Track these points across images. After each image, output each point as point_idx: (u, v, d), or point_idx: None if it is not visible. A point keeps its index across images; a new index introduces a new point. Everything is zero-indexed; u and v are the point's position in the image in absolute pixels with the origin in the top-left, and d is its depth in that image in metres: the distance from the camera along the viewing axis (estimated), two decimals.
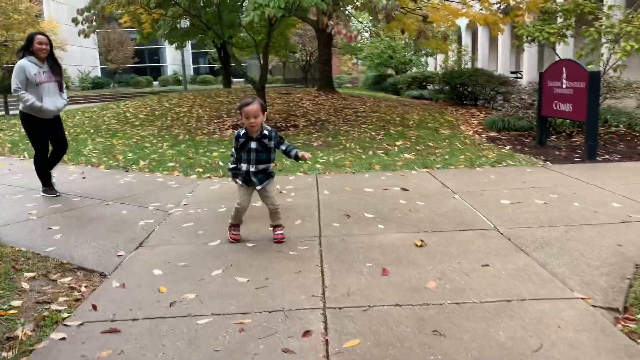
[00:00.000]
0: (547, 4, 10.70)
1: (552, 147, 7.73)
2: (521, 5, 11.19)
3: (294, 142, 8.81)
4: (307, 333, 2.45)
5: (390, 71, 28.88)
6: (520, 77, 22.41)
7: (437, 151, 7.63)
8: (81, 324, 2.63)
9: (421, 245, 3.60)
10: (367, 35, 31.93)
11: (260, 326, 2.54)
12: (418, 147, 8.00)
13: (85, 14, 9.85)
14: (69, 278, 3.28)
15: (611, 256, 3.29)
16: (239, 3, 11.28)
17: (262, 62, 10.67)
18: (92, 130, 10.96)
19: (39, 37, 5.22)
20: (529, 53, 20.45)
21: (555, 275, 3.04)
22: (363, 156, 7.38)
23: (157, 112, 12.92)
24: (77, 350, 2.39)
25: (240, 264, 3.38)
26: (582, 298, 2.73)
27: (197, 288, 3.02)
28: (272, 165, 3.75)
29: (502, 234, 3.82)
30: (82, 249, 3.77)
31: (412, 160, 6.99)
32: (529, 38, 10.70)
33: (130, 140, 9.63)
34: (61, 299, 2.96)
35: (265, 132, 3.60)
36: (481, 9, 13.03)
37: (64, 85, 5.57)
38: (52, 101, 5.29)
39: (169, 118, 12.05)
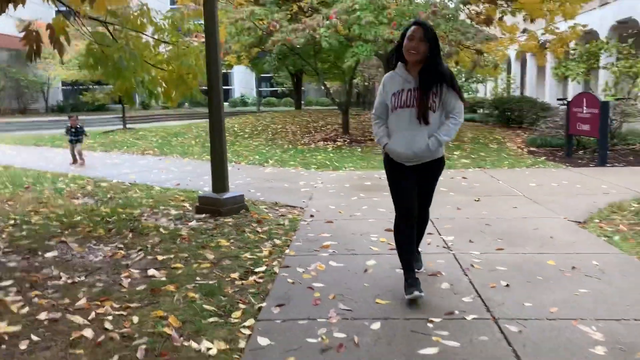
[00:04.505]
0: (578, 47, 13.17)
1: (576, 157, 10.16)
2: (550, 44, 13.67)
3: (374, 151, 11.59)
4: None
5: None
6: (566, 104, 24.54)
7: (487, 159, 10.20)
8: (311, 220, 5.42)
9: (478, 200, 6.24)
10: None
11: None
12: (473, 156, 10.59)
13: None
14: (285, 209, 6.10)
15: (586, 207, 5.83)
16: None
17: (347, 89, 13.59)
18: None
19: None
20: (573, 83, 22.65)
21: (552, 210, 5.63)
22: None
23: (259, 128, 16.05)
24: (316, 227, 5.16)
25: (364, 196, 6.12)
26: (563, 218, 5.31)
27: (353, 208, 5.76)
28: None
29: (526, 197, 6.41)
30: (280, 199, 6.59)
31: (468, 163, 9.60)
32: (562, 75, 13.17)
33: (248, 148, 12.64)
34: (290, 215, 5.77)
35: None
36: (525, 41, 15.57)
37: None
38: None
39: (270, 132, 15.12)
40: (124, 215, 5.76)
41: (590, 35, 21.69)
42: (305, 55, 14.28)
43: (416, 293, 3.11)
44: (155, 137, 15.64)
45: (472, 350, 2.59)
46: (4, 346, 2.70)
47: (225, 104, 47.60)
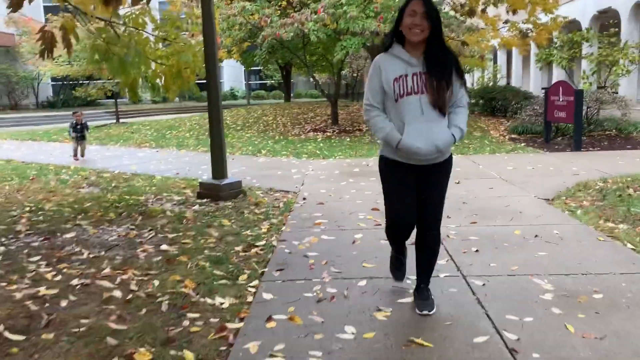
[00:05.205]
0: (560, 36, 13.71)
1: (554, 143, 10.72)
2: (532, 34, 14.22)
3: (362, 140, 12.10)
4: None
5: None
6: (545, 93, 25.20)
7: (470, 146, 10.73)
8: (304, 202, 5.91)
9: (458, 183, 6.76)
10: None
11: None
12: (456, 144, 11.10)
13: None
14: (279, 193, 6.59)
15: (556, 186, 6.37)
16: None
17: (336, 80, 14.05)
18: (206, 133, 14.47)
19: None
20: (557, 71, 23.25)
21: (524, 190, 6.16)
22: None
23: (250, 120, 16.49)
24: (309, 208, 5.65)
25: (353, 181, 6.62)
26: (534, 196, 5.85)
27: (342, 191, 6.26)
28: None
29: (502, 179, 6.94)
30: (274, 185, 7.07)
31: (452, 150, 10.10)
32: (545, 61, 13.71)
33: (241, 139, 13.08)
34: (284, 199, 6.25)
35: None
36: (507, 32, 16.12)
37: None
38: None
39: (261, 124, 15.57)
40: (131, 201, 6.22)
41: (572, 25, 22.28)
42: (293, 49, 14.69)
43: (425, 312, 2.92)
44: (150, 131, 16.03)
45: (442, 299, 3.10)
46: (47, 304, 3.17)
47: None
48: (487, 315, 2.89)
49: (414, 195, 2.88)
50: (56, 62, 27.27)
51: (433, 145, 2.73)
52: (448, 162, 2.94)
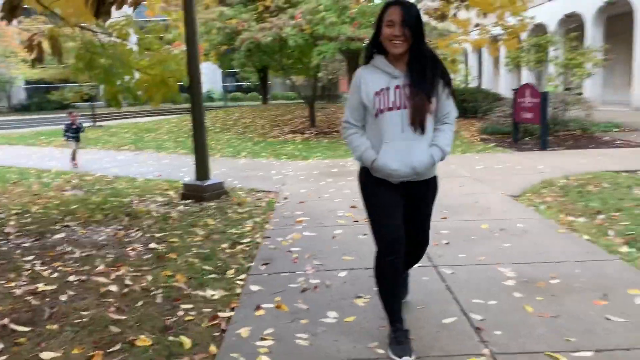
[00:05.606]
0: (528, 40, 14.27)
1: (523, 143, 11.19)
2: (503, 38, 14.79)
3: (340, 141, 12.41)
4: None
5: None
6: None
7: None
8: (285, 201, 6.18)
9: None
10: None
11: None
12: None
13: None
14: (261, 194, 6.84)
15: (522, 184, 6.75)
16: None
17: (313, 83, 14.36)
18: (185, 135, 14.65)
19: None
20: (526, 74, 23.99)
21: (493, 187, 6.53)
22: None
23: (229, 123, 16.69)
24: (290, 207, 5.91)
25: (332, 181, 6.91)
26: (501, 193, 6.22)
27: (321, 191, 6.55)
28: None
29: (473, 177, 7.31)
30: (256, 186, 7.32)
31: None
32: (513, 63, 14.26)
33: (220, 142, 13.27)
34: (266, 198, 6.51)
35: None
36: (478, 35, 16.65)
37: None
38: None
39: (240, 126, 15.79)
40: (116, 203, 6.40)
41: (540, 29, 23.04)
42: (270, 52, 14.92)
43: (405, 359, 2.49)
44: (128, 134, 16.11)
45: (416, 286, 3.39)
46: (48, 299, 3.38)
47: None
48: (456, 300, 3.20)
49: (400, 203, 2.61)
50: (29, 65, 27.07)
51: (409, 167, 2.49)
52: (432, 182, 2.69)
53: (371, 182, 2.62)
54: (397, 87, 2.49)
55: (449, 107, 2.60)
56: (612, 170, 7.21)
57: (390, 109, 2.49)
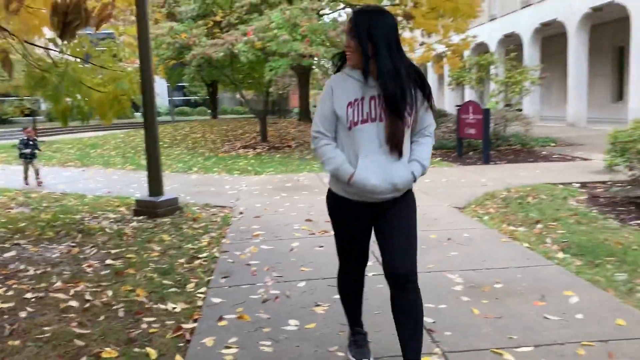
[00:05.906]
0: (469, 60, 14.98)
1: (467, 157, 11.72)
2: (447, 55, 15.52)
3: (292, 156, 12.58)
4: None
5: None
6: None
7: None
8: (241, 216, 6.27)
9: None
10: None
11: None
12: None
13: None
14: (216, 209, 6.89)
15: (467, 196, 7.13)
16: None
17: (264, 98, 14.52)
18: (133, 151, 14.43)
19: None
20: (469, 91, 25.05)
21: (439, 200, 6.86)
22: None
23: (178, 138, 16.55)
24: (246, 221, 6.01)
25: (286, 195, 7.07)
26: (447, 205, 6.55)
27: (276, 205, 6.68)
28: None
29: (420, 190, 7.64)
30: (210, 201, 7.36)
31: None
32: (456, 82, 14.94)
33: (170, 157, 13.17)
34: (221, 213, 6.57)
35: None
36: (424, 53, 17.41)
37: None
38: None
39: (190, 141, 15.70)
40: (67, 220, 6.30)
41: (481, 47, 24.15)
42: (221, 67, 15.00)
43: None
44: (73, 149, 15.70)
45: (371, 293, 3.58)
46: (6, 316, 3.35)
47: (137, 114, 47.10)
48: None
49: (368, 240, 2.55)
50: None
51: (390, 183, 2.31)
52: (409, 195, 2.49)
53: (338, 206, 2.48)
54: (372, 97, 2.29)
55: (429, 120, 2.42)
56: (549, 183, 7.70)
57: (364, 121, 2.29)
